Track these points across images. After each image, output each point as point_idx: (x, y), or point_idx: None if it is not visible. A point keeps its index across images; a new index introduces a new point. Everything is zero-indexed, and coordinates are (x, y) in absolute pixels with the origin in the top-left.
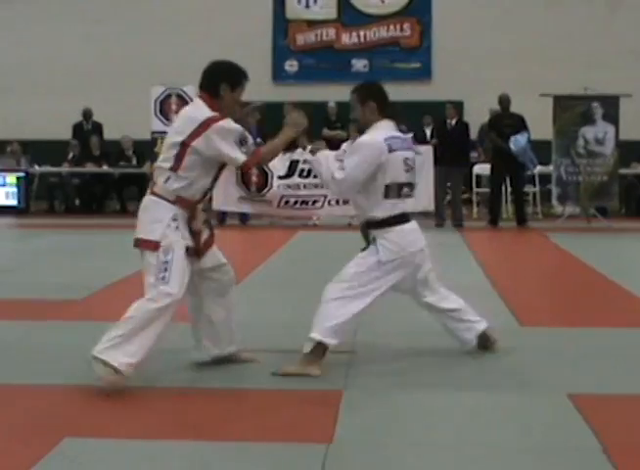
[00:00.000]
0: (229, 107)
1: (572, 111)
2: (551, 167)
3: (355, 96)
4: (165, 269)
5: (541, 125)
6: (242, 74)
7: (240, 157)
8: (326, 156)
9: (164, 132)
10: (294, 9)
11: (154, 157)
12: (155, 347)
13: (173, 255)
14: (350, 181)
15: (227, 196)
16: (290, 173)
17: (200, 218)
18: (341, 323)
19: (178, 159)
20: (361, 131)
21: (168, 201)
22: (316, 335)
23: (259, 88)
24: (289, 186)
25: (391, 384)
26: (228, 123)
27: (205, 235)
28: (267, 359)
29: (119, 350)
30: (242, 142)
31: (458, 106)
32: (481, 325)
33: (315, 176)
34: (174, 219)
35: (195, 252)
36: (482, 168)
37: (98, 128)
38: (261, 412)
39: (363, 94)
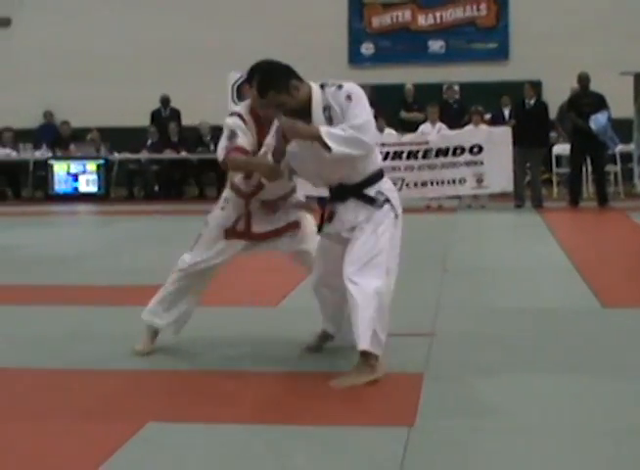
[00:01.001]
0: (253, 102)
1: None
2: (632, 146)
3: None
4: (196, 241)
5: (622, 104)
6: (248, 74)
7: (219, 154)
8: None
9: None
10: None
11: None
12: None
13: (206, 229)
14: (372, 125)
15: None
16: None
17: (254, 204)
18: (386, 324)
19: None
20: (299, 113)
21: (230, 189)
22: (366, 346)
23: (336, 71)
24: None
25: (474, 367)
26: (227, 118)
27: (275, 221)
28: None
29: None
30: (229, 138)
31: (536, 85)
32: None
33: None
34: (226, 201)
35: (244, 235)
36: (562, 148)
37: (176, 115)
38: (342, 395)
39: (267, 83)
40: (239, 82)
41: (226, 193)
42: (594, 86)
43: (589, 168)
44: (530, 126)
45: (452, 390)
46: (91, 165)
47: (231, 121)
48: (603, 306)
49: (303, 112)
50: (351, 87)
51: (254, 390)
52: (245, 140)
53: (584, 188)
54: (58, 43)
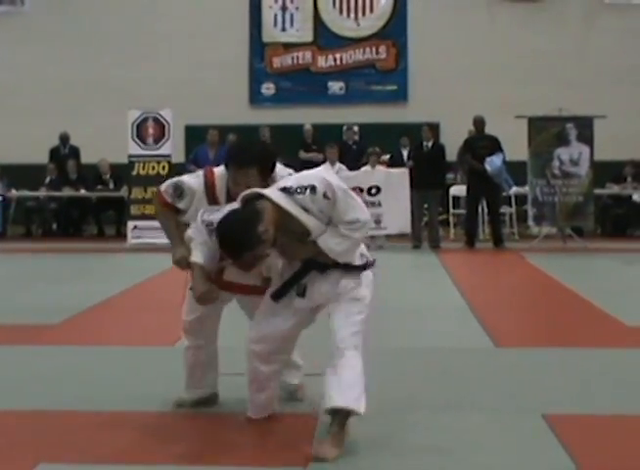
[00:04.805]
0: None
1: (547, 132)
2: (527, 188)
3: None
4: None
5: (516, 146)
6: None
7: (162, 187)
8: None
9: (141, 156)
10: (270, 32)
11: (131, 181)
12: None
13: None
14: (359, 203)
15: None
16: None
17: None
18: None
19: None
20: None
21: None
22: (347, 404)
23: (236, 111)
24: None
25: (368, 406)
26: (188, 176)
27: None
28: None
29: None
30: (179, 194)
31: (435, 127)
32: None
33: None
34: None
35: (215, 281)
36: (459, 190)
37: (75, 152)
38: (240, 436)
39: (238, 248)
40: (139, 121)
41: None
42: (490, 129)
43: (485, 210)
44: (428, 168)
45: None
46: None
47: (192, 181)
48: (496, 346)
49: (286, 226)
50: (321, 183)
51: (152, 430)
52: (183, 205)
53: (480, 229)
54: None
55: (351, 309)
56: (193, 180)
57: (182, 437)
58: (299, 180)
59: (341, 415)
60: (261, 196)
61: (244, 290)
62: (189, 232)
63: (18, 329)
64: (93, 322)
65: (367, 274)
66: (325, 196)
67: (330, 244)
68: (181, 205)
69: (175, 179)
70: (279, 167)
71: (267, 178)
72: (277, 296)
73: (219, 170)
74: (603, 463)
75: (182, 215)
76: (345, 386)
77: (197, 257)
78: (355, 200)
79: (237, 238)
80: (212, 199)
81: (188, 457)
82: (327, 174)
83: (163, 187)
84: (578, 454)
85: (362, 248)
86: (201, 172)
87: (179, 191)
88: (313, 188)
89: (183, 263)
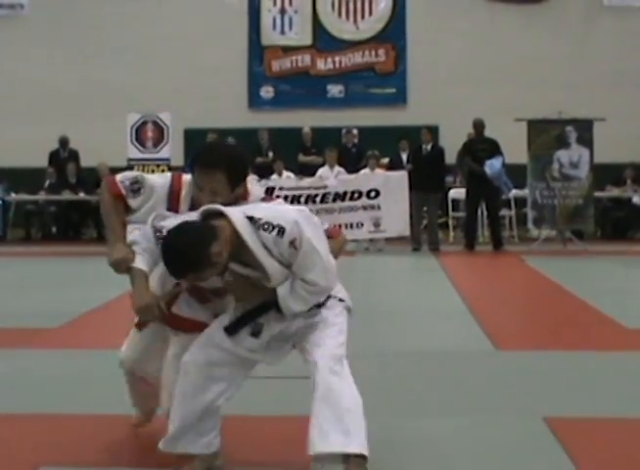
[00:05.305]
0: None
1: (547, 134)
2: (526, 191)
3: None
4: None
5: (516, 149)
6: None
7: (112, 180)
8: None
9: (141, 159)
10: (269, 35)
11: None
12: None
13: None
14: (328, 260)
15: None
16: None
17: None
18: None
19: None
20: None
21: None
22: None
23: (235, 114)
24: None
25: (371, 410)
26: (152, 174)
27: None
28: None
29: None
30: (132, 187)
31: (434, 130)
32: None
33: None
34: None
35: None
36: (459, 193)
37: (74, 156)
38: (240, 437)
39: (184, 268)
40: (138, 124)
41: None
42: (489, 132)
43: (485, 213)
44: (427, 171)
45: None
46: None
47: (156, 178)
48: (496, 349)
49: (238, 251)
50: (293, 228)
51: (152, 433)
52: (136, 203)
53: (480, 232)
54: None
55: (326, 333)
56: (157, 180)
57: None
58: (270, 215)
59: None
60: (223, 215)
61: (197, 327)
62: (134, 235)
63: (17, 332)
64: (93, 326)
65: (332, 303)
66: (291, 244)
67: (287, 298)
68: (133, 202)
69: (136, 173)
70: (255, 186)
71: (235, 187)
72: (232, 329)
73: (188, 177)
74: (604, 466)
75: (129, 214)
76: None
77: (140, 262)
78: (322, 259)
79: (185, 253)
80: (173, 205)
81: (189, 460)
82: (303, 219)
83: (120, 177)
84: (579, 457)
85: (340, 290)
86: (169, 174)
87: (137, 186)
88: (281, 230)
89: (123, 266)
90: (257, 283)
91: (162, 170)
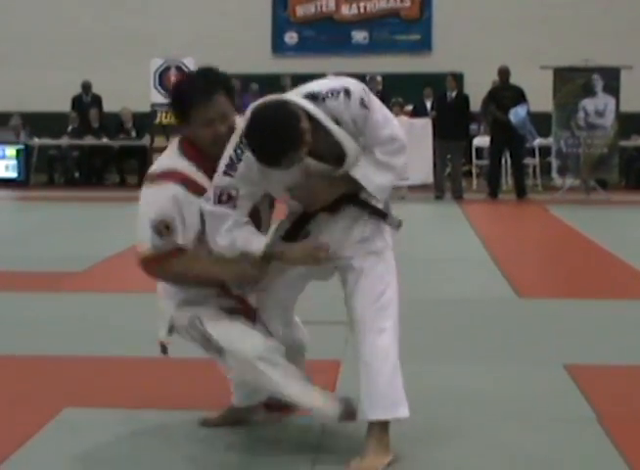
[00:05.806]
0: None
1: (573, 83)
2: (551, 140)
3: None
4: None
5: (541, 97)
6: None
7: (144, 248)
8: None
9: (163, 104)
10: None
11: (153, 129)
12: None
13: None
14: (392, 118)
15: None
16: None
17: None
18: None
19: None
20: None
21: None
22: (379, 416)
23: (259, 60)
24: None
25: None
26: (154, 190)
27: None
28: None
29: None
30: (160, 234)
31: (458, 78)
32: None
33: None
34: None
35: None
36: (482, 141)
37: (97, 101)
38: None
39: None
40: (161, 69)
41: None
42: (514, 80)
43: (508, 161)
44: (451, 118)
45: None
46: (10, 151)
47: (163, 202)
48: (519, 296)
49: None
50: (356, 87)
51: (177, 376)
52: (182, 234)
53: (503, 180)
54: None
55: (376, 276)
56: (165, 204)
57: (206, 382)
58: (329, 84)
59: (377, 427)
60: (285, 102)
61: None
62: (217, 248)
63: (41, 276)
64: (116, 269)
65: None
66: (362, 103)
67: (368, 174)
68: (179, 240)
69: (144, 220)
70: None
71: (233, 104)
72: (289, 236)
73: (182, 163)
74: (623, 412)
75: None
76: (376, 392)
77: (255, 243)
78: (390, 117)
79: (283, 127)
80: (196, 186)
81: (213, 402)
82: (357, 82)
83: (145, 244)
84: (599, 404)
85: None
86: (168, 185)
87: (162, 226)
88: (347, 91)
89: (257, 271)
90: (330, 178)
91: None
